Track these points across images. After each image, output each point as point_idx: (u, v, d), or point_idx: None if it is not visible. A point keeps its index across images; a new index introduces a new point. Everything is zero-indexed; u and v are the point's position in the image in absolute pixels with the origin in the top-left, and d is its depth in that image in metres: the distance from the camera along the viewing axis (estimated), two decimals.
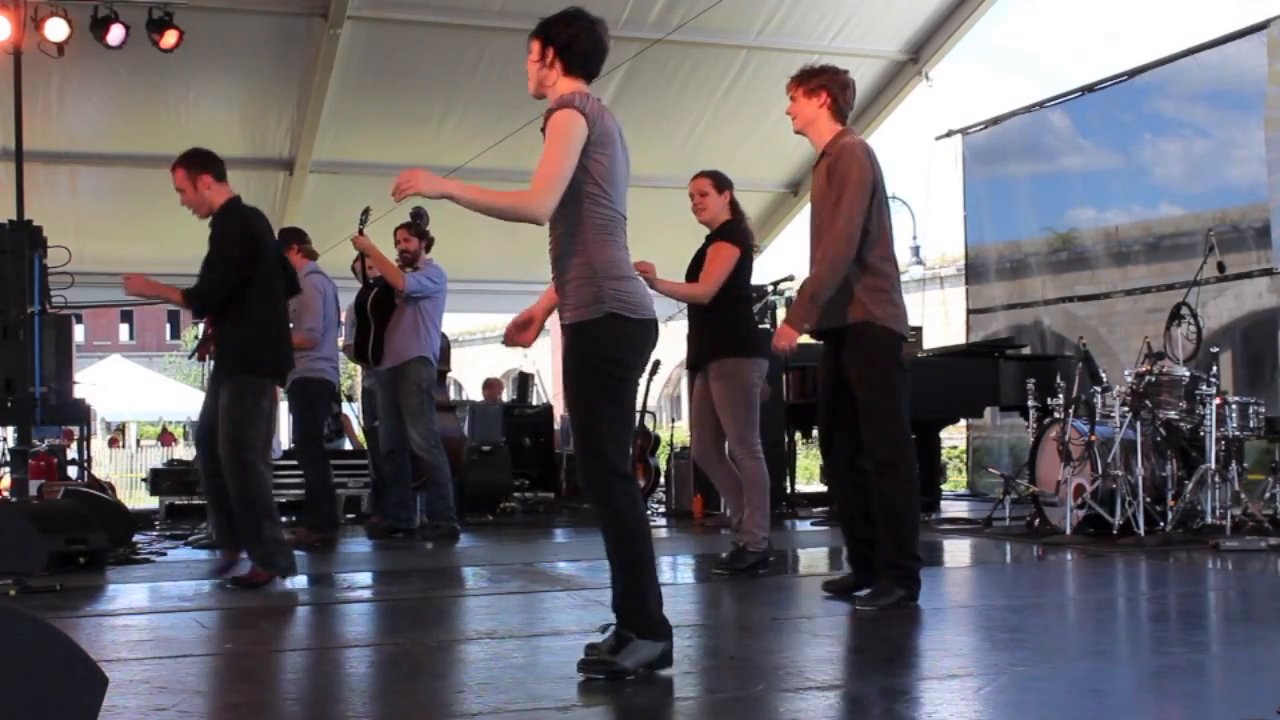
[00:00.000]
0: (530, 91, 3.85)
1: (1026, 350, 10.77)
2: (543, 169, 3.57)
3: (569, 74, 3.75)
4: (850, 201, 4.94)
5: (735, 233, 6.27)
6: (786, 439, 9.78)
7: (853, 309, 5.00)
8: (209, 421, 6.05)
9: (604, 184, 3.66)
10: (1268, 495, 7.60)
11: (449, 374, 11.08)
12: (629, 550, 3.63)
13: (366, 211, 7.90)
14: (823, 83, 5.14)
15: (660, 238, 8.95)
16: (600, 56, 3.81)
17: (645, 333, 3.72)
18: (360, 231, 7.83)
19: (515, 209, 3.61)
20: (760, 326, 7.10)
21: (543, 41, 3.76)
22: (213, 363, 6.20)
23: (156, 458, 20.63)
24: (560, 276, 3.72)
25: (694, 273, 6.41)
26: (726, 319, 6.19)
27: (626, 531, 3.63)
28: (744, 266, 6.28)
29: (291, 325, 8.18)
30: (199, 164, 5.83)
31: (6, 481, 9.51)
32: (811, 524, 9.20)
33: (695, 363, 6.38)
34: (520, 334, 4.04)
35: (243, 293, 5.77)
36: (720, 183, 6.37)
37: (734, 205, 6.41)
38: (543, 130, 3.68)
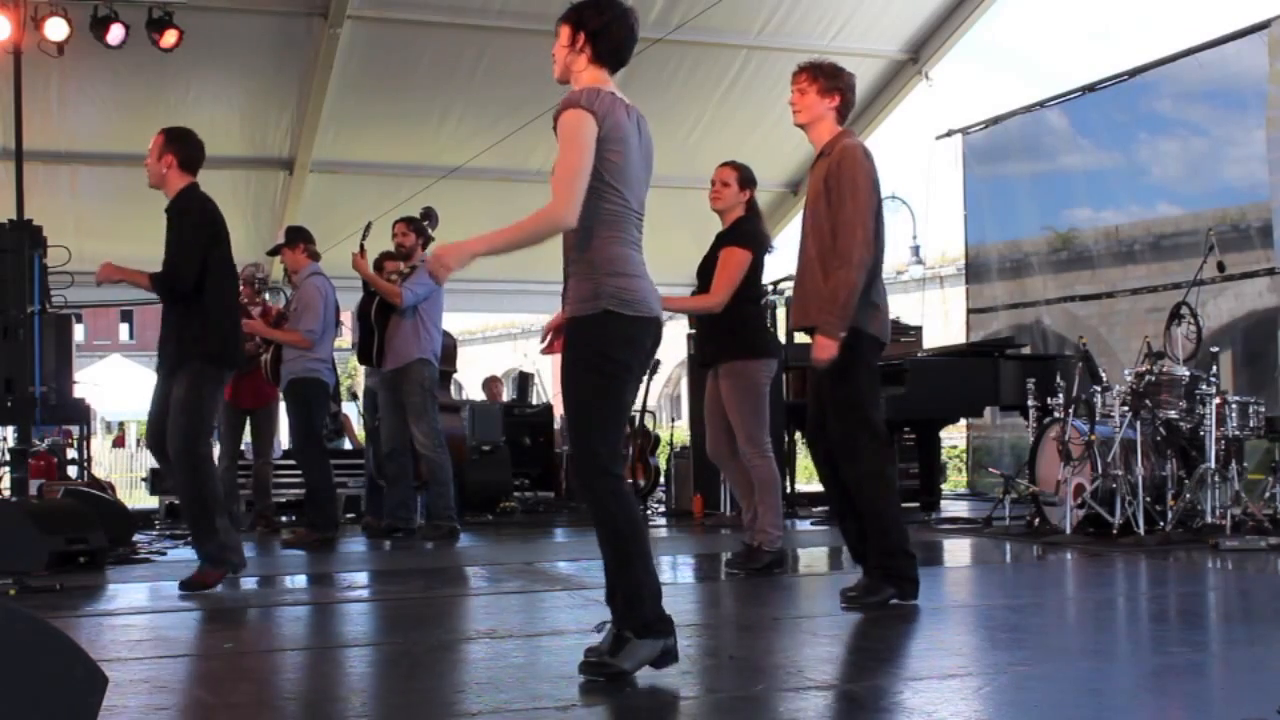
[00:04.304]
0: (555, 76, 3.77)
1: (1026, 350, 10.76)
2: (559, 173, 3.51)
3: (596, 61, 3.68)
4: (864, 206, 4.91)
5: (744, 235, 6.21)
6: (786, 438, 9.78)
7: None
8: (162, 422, 5.71)
9: (614, 180, 3.58)
10: (1268, 495, 7.60)
11: (453, 374, 11.09)
12: (620, 548, 3.58)
13: (369, 226, 7.99)
14: (838, 86, 5.11)
15: (660, 237, 8.90)
16: (631, 46, 3.74)
17: (643, 331, 3.62)
18: (361, 245, 7.92)
19: (541, 227, 3.53)
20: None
21: (573, 27, 3.68)
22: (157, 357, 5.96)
23: None
24: (565, 270, 3.66)
25: (705, 275, 6.39)
26: (737, 320, 6.17)
27: (617, 531, 3.58)
28: (756, 267, 6.25)
29: (288, 324, 8.25)
30: (174, 141, 5.78)
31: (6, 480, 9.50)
32: (811, 523, 9.21)
33: (707, 362, 6.42)
34: (557, 339, 3.88)
35: (199, 280, 5.67)
36: (744, 178, 6.31)
37: (751, 204, 6.36)
38: (555, 129, 3.59)
